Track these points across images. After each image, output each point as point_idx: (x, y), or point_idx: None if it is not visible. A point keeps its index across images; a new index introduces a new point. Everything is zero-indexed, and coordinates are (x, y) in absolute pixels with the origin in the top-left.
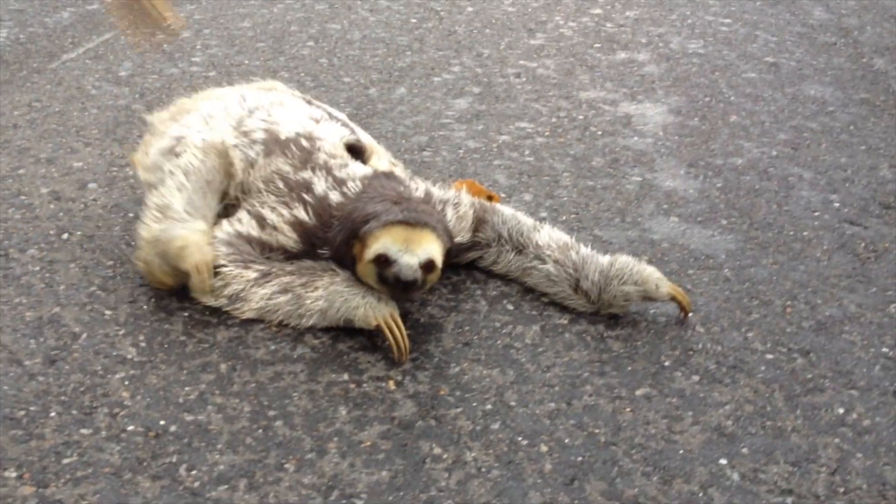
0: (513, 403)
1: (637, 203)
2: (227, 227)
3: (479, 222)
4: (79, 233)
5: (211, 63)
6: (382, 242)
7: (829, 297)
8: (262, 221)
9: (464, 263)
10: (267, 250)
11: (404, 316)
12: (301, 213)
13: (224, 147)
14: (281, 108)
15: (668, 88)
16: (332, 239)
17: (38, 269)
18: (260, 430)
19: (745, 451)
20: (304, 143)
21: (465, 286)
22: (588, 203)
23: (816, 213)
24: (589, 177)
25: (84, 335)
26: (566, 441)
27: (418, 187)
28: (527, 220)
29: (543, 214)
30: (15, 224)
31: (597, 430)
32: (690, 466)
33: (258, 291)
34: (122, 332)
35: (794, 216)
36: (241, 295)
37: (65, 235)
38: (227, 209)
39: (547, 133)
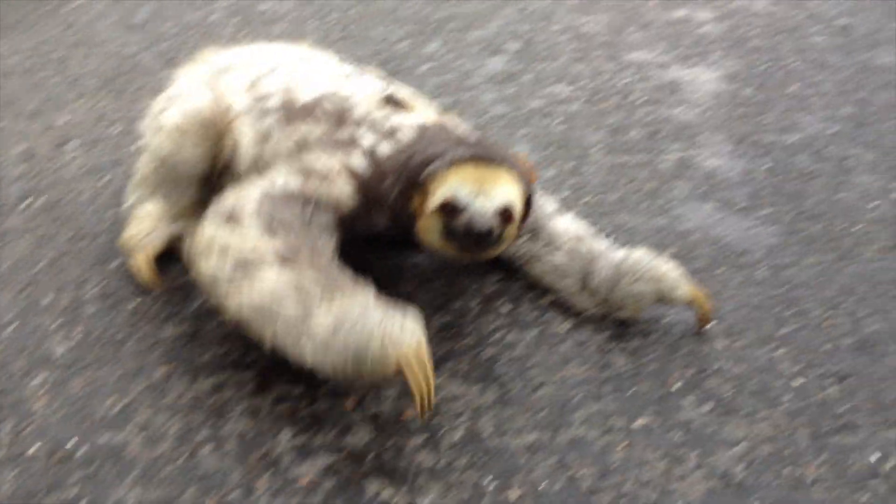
0: (488, 432)
1: (671, 185)
2: (252, 191)
3: None
4: (43, 198)
5: (234, 10)
6: (450, 185)
7: (876, 308)
8: (308, 170)
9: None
10: (315, 208)
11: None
12: (357, 161)
13: (212, 115)
14: (306, 65)
15: (725, 51)
16: (387, 194)
17: None
18: (182, 459)
19: None
20: (331, 104)
21: (459, 279)
22: (616, 182)
23: (873, 203)
24: (622, 151)
25: (13, 325)
26: (542, 486)
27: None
28: (548, 203)
29: (566, 194)
30: None
31: (581, 472)
32: None
33: (268, 272)
34: (56, 325)
35: (848, 206)
36: (250, 260)
37: (27, 201)
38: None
39: (584, 99)
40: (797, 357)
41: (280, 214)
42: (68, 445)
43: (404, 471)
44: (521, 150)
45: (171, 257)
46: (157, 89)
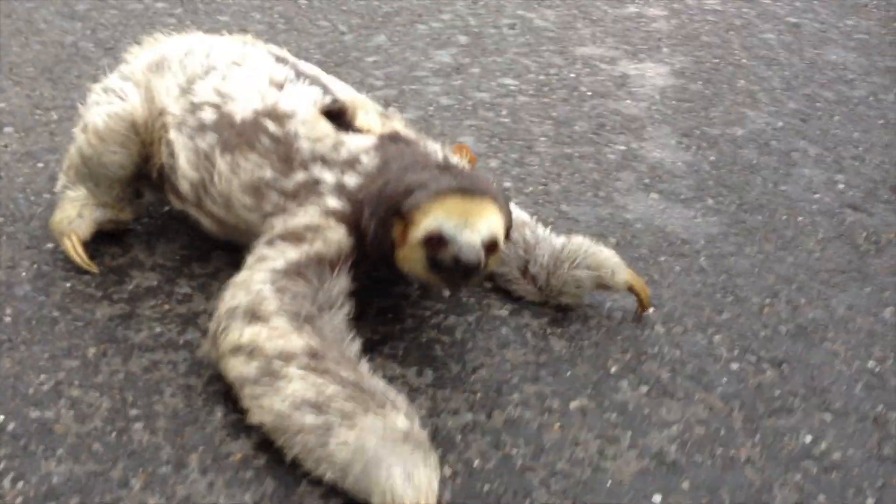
0: (423, 412)
1: (615, 176)
2: (256, 275)
3: None
4: None
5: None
6: (435, 217)
7: (815, 297)
8: (294, 236)
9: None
10: (326, 268)
11: None
12: (332, 202)
13: (137, 120)
14: (239, 70)
15: (674, 47)
16: (367, 225)
17: None
18: (114, 434)
19: (685, 485)
20: (271, 127)
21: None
22: (561, 173)
23: (817, 195)
24: (568, 143)
25: None
26: (476, 463)
27: (435, 151)
28: None
29: (508, 184)
30: None
31: (515, 451)
32: (617, 502)
33: (294, 380)
34: None
35: (791, 198)
36: (275, 366)
37: None
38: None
39: (531, 92)
40: (734, 342)
41: (304, 297)
42: None
43: None
44: (466, 141)
45: (104, 239)
46: (96, 77)
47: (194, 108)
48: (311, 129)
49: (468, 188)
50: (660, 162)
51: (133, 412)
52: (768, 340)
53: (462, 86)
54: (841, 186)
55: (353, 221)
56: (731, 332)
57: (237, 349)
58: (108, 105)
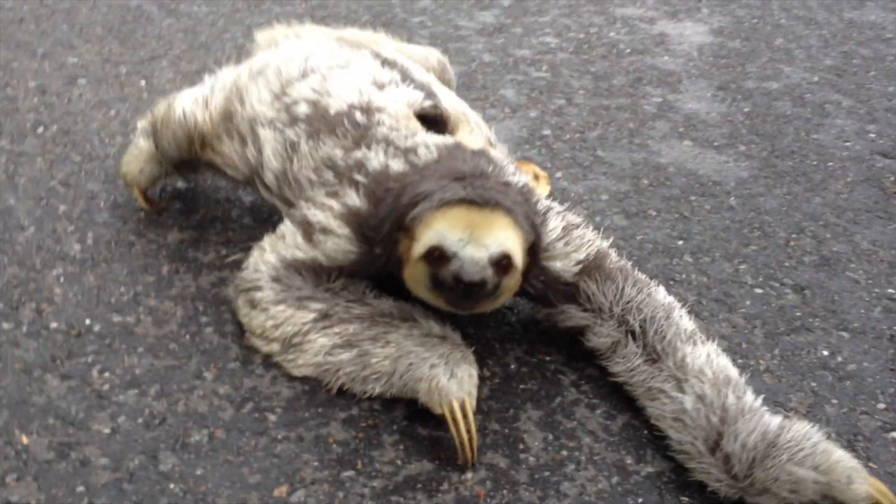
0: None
1: (651, 125)
2: (267, 256)
3: (601, 272)
4: (55, 126)
5: None
6: (436, 230)
7: (840, 232)
8: (308, 228)
9: (566, 326)
10: (321, 275)
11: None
12: (352, 199)
13: (195, 130)
14: (341, 71)
15: (713, 8)
16: (379, 226)
17: (3, 160)
18: (188, 336)
19: None
20: (359, 116)
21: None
22: (598, 122)
23: (848, 143)
24: (605, 96)
25: (31, 229)
26: (512, 367)
27: (518, 175)
28: (682, 322)
29: (546, 132)
30: None
31: (548, 358)
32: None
33: (317, 340)
34: (70, 229)
35: (822, 145)
36: (294, 341)
37: (40, 129)
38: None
39: (570, 49)
40: (759, 271)
41: (299, 289)
42: (86, 322)
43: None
44: (506, 94)
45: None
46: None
47: (287, 106)
48: (397, 121)
49: (476, 198)
50: (695, 112)
51: (204, 319)
52: (792, 269)
53: (504, 44)
54: (872, 135)
55: (364, 223)
56: (756, 262)
57: (251, 332)
58: (192, 103)
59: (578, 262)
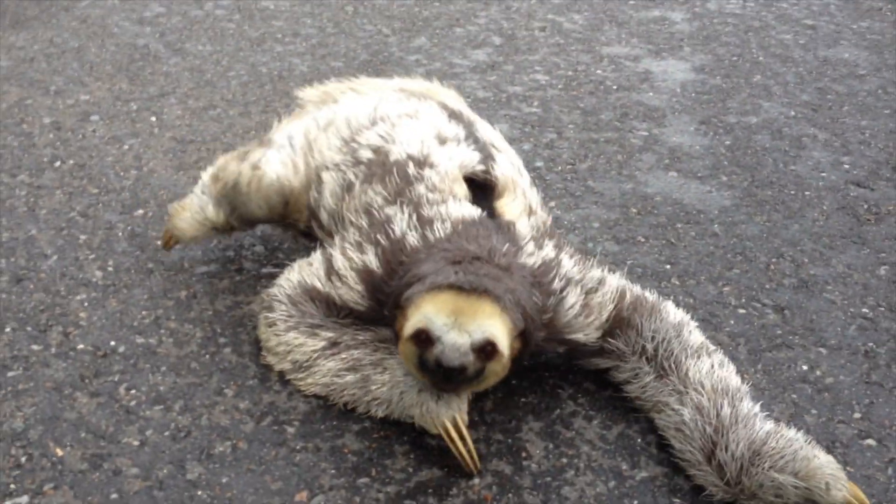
0: None
1: (638, 157)
2: (293, 275)
3: (620, 323)
4: (71, 161)
5: (236, 6)
6: (424, 313)
7: (817, 257)
8: (329, 267)
9: (592, 369)
10: (332, 309)
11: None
12: (370, 259)
13: (288, 192)
14: (409, 121)
15: (695, 47)
16: (388, 296)
17: (24, 193)
18: (207, 356)
19: None
20: (412, 168)
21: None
22: (587, 155)
23: (823, 174)
24: (594, 130)
25: (54, 257)
26: (513, 380)
27: (538, 252)
28: (691, 337)
29: (539, 164)
30: (11, 151)
31: (546, 374)
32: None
33: (325, 364)
34: (92, 257)
35: (800, 176)
36: (304, 364)
37: (57, 163)
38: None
39: (560, 86)
40: (742, 293)
41: (311, 316)
42: (111, 343)
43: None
44: (501, 128)
45: None
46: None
47: (354, 150)
48: (441, 182)
49: (464, 284)
50: (679, 145)
51: (222, 339)
52: (773, 291)
53: (497, 81)
54: (846, 166)
55: (377, 286)
56: (739, 285)
57: (267, 350)
58: (281, 166)
59: (599, 328)
